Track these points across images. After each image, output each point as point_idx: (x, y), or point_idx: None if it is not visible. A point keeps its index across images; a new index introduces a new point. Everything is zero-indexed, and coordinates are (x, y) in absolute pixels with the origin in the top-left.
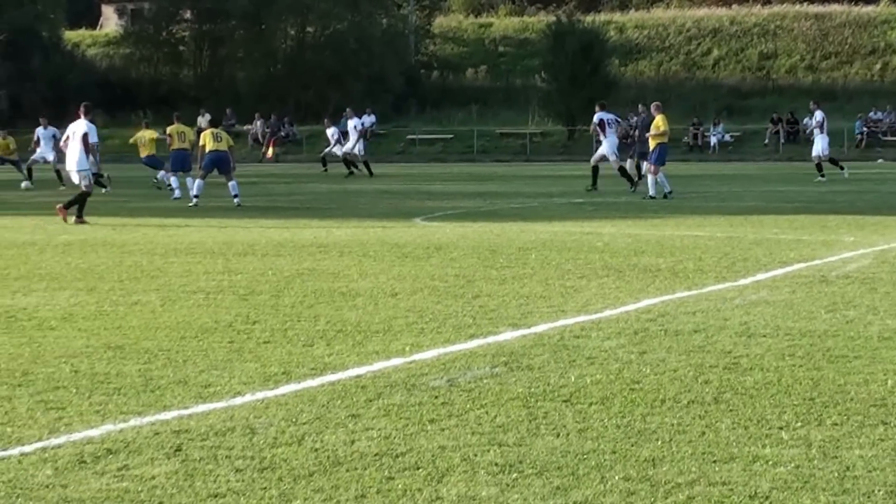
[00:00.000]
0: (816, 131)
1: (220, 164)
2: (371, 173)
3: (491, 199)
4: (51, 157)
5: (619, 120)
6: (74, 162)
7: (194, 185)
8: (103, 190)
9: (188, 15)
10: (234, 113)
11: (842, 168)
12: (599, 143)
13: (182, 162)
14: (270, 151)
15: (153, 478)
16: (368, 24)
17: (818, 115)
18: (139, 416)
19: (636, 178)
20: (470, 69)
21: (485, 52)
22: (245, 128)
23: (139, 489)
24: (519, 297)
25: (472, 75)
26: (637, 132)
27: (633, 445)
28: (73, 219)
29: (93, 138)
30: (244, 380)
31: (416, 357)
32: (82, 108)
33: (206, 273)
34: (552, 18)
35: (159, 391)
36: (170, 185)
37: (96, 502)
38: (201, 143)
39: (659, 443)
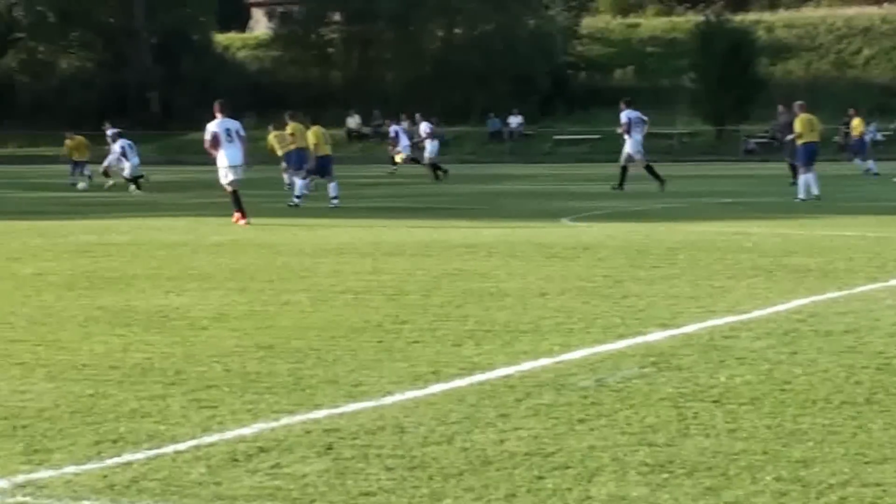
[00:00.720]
0: None
1: (328, 166)
2: (437, 176)
3: (638, 200)
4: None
5: (645, 119)
6: (242, 158)
7: (299, 186)
8: (132, 189)
9: (337, 17)
10: (382, 114)
11: None
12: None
13: (305, 160)
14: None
15: (305, 476)
16: (516, 25)
17: None
18: (290, 415)
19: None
20: (617, 69)
21: (632, 52)
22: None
23: (291, 487)
24: (667, 298)
25: (619, 76)
26: (780, 133)
27: (784, 446)
28: (242, 219)
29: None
30: (394, 379)
31: (565, 357)
32: (219, 106)
33: (354, 273)
34: (700, 18)
35: (310, 390)
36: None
37: (249, 500)
38: (314, 140)
39: (810, 444)
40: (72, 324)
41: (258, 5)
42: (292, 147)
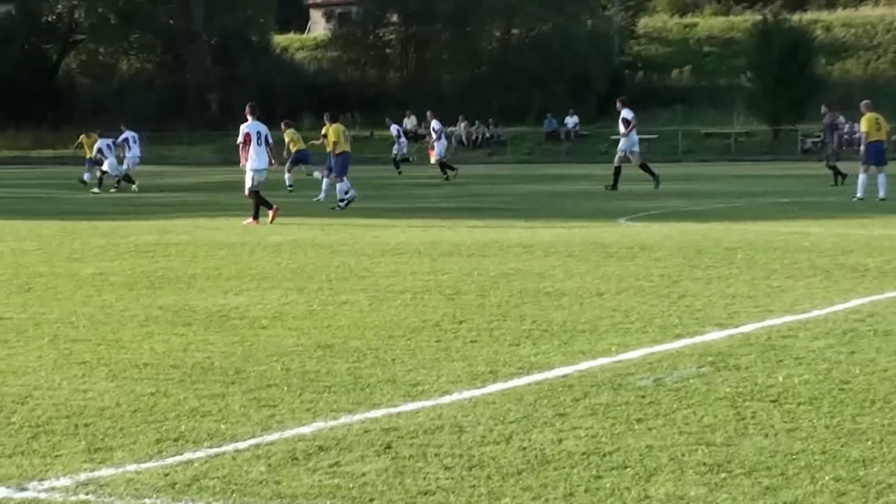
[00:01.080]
0: None
1: (348, 164)
2: (447, 176)
3: (696, 199)
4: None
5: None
6: (267, 163)
7: (339, 189)
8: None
9: (395, 18)
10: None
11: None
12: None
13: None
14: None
15: (364, 475)
16: (573, 25)
17: None
18: (349, 414)
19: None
20: (675, 69)
21: (689, 52)
22: (449, 129)
23: (350, 486)
24: (725, 297)
25: (676, 75)
26: (823, 133)
27: (843, 446)
28: (268, 218)
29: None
30: (452, 378)
31: (623, 357)
32: (250, 109)
33: (412, 273)
34: (758, 18)
35: (368, 389)
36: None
37: (309, 498)
38: (334, 138)
39: (869, 443)
40: (132, 323)
41: (317, 7)
42: (327, 149)
